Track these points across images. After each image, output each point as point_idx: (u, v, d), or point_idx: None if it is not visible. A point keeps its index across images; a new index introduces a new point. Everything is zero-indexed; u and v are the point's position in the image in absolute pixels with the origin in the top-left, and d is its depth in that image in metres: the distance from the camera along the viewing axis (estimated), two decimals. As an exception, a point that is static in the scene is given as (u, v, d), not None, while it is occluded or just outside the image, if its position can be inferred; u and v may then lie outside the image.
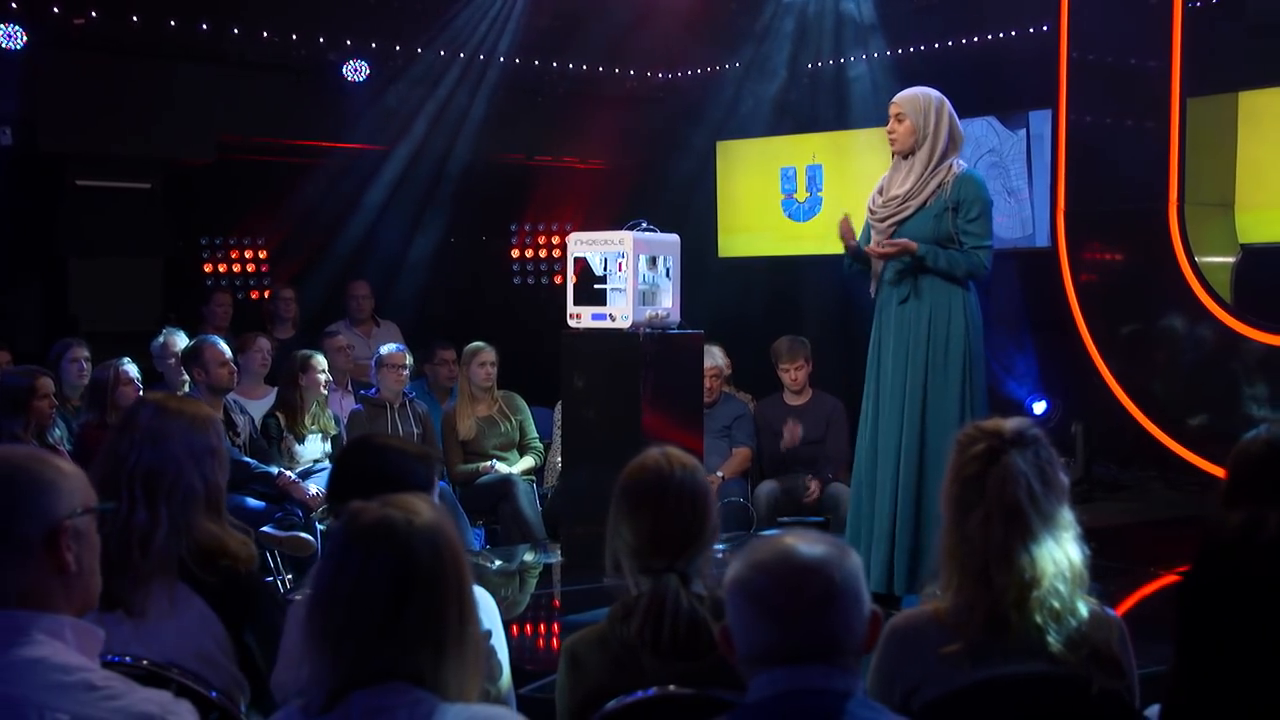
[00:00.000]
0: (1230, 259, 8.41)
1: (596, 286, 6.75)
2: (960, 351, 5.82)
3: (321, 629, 2.07)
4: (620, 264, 6.66)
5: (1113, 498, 8.91)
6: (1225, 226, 8.44)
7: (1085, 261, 8.58)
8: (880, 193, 6.04)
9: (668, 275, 6.76)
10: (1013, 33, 9.41)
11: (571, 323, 6.82)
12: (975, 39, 9.61)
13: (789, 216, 10.69)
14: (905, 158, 5.92)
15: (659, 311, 6.69)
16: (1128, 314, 8.45)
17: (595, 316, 6.71)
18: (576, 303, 6.79)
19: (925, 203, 5.82)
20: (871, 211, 6.03)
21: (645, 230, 6.76)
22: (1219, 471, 8.04)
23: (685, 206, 10.27)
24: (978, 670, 2.80)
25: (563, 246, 11.58)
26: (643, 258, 6.63)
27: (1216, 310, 7.99)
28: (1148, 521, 8.17)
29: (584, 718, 2.85)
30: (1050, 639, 2.82)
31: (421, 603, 2.07)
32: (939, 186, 5.81)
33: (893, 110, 5.94)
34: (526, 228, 11.75)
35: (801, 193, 10.60)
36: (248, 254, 10.93)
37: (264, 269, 10.94)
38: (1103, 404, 8.46)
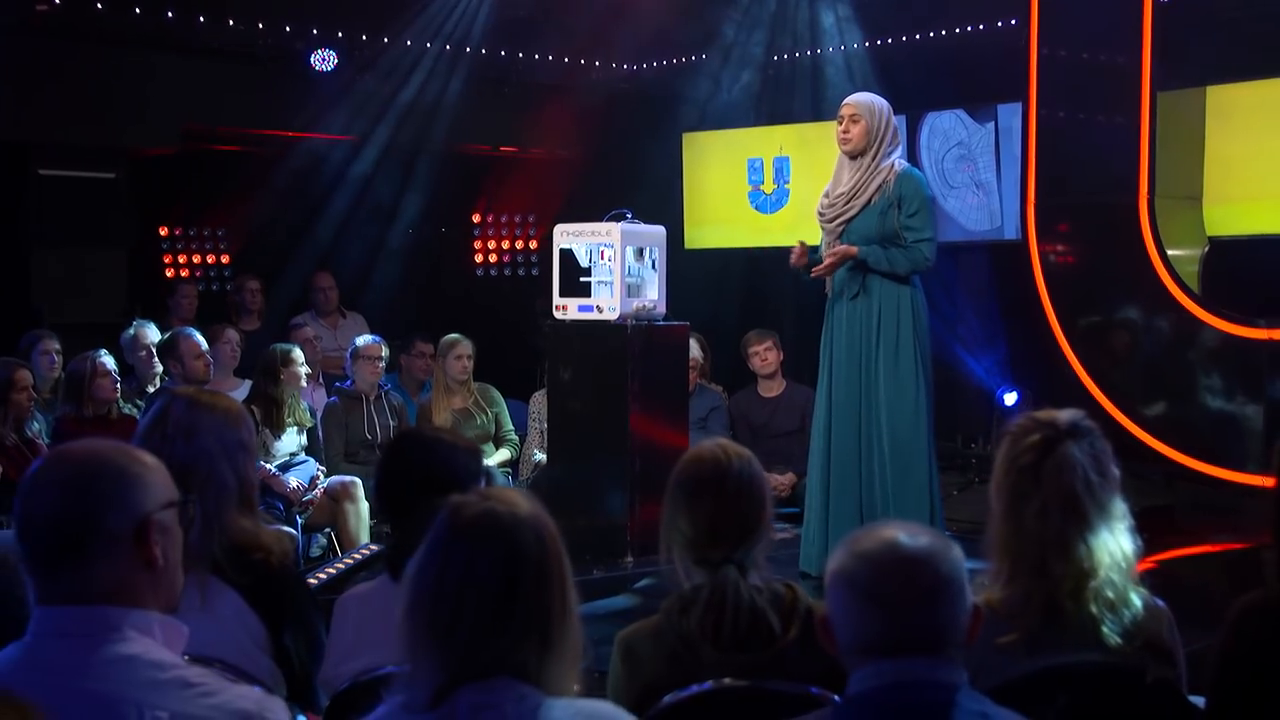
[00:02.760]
0: (1198, 251, 8.49)
1: (581, 279, 6.74)
2: (910, 345, 6.07)
3: (428, 625, 2.04)
4: (603, 253, 6.65)
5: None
6: (1193, 219, 8.53)
7: (1055, 254, 8.64)
8: (826, 195, 6.27)
9: (653, 267, 6.77)
10: (981, 26, 9.46)
11: (557, 314, 6.81)
12: (944, 32, 9.66)
13: (756, 208, 10.69)
14: (854, 159, 6.08)
15: (645, 303, 6.70)
16: (1098, 306, 8.51)
17: (582, 308, 6.70)
18: (562, 294, 6.77)
19: (870, 200, 6.10)
20: (820, 213, 6.25)
21: (631, 222, 6.77)
22: (1187, 461, 8.17)
23: (651, 198, 10.25)
24: (1033, 660, 2.81)
25: (526, 238, 11.57)
26: (629, 249, 6.63)
27: (1187, 302, 8.06)
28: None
29: (641, 711, 2.83)
30: (1106, 630, 2.84)
31: (529, 595, 2.05)
32: (881, 185, 6.08)
33: (847, 112, 6.17)
34: (490, 219, 11.69)
35: (768, 185, 10.61)
36: (209, 244, 10.82)
37: (224, 259, 10.83)
38: (1073, 395, 8.51)
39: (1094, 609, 2.84)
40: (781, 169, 10.54)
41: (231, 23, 9.39)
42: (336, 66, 9.69)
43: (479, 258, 11.68)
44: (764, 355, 8.37)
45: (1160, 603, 2.97)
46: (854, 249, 5.99)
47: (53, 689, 2.04)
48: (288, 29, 9.60)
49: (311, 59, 9.60)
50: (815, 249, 6.31)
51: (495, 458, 8.17)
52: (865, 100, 6.16)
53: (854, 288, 6.08)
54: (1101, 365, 8.38)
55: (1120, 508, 2.93)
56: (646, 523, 6.61)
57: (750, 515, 2.90)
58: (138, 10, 9.03)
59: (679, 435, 6.85)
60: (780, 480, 8.07)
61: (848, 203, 6.11)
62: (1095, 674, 2.86)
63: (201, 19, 9.26)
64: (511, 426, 8.42)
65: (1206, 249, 8.50)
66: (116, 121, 9.29)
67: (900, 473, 5.93)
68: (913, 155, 9.63)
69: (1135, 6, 8.17)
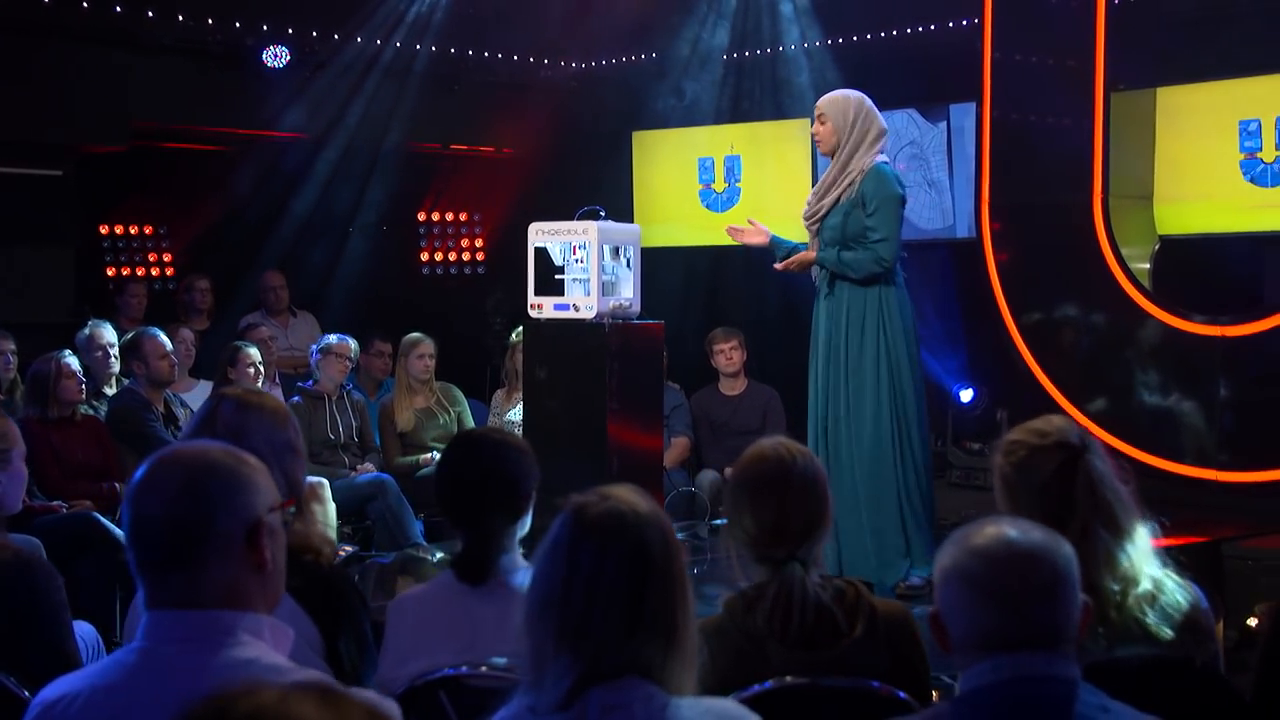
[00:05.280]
0: (1149, 250, 8.63)
1: (556, 277, 6.72)
2: (875, 347, 6.07)
3: (556, 628, 2.03)
4: (574, 249, 6.63)
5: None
6: (1144, 218, 8.66)
7: (1009, 253, 8.73)
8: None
9: (628, 266, 6.76)
10: (933, 26, 9.54)
11: (532, 313, 6.77)
12: (895, 32, 9.71)
13: (707, 207, 10.72)
14: (829, 158, 6.16)
15: (621, 302, 6.68)
16: (1052, 304, 8.62)
17: (558, 307, 6.67)
18: (537, 293, 6.74)
19: (837, 200, 6.13)
20: (804, 212, 6.29)
21: (604, 220, 6.75)
22: (1143, 457, 8.30)
23: (600, 197, 10.22)
24: (1081, 659, 2.83)
25: (472, 236, 11.52)
26: (606, 248, 6.62)
27: (1141, 300, 8.20)
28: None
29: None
30: (1151, 622, 2.87)
31: (657, 594, 2.05)
32: (850, 184, 6.09)
33: (815, 112, 6.21)
34: (437, 217, 11.61)
35: (719, 183, 10.64)
36: (152, 243, 10.65)
37: (166, 256, 10.67)
38: (1027, 392, 8.63)
39: (1136, 613, 2.86)
40: (733, 167, 10.57)
41: (181, 18, 9.23)
42: (289, 63, 9.55)
43: (425, 256, 11.59)
44: (729, 354, 8.41)
45: (1191, 582, 2.99)
46: (811, 254, 6.09)
47: (173, 694, 2.00)
48: (238, 25, 9.47)
49: (264, 56, 9.46)
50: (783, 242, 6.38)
51: (458, 457, 8.12)
52: (830, 99, 6.19)
53: (826, 287, 6.16)
54: (1055, 362, 8.48)
55: (1135, 506, 2.93)
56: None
57: (814, 512, 2.92)
58: (85, 4, 8.87)
59: (655, 434, 6.85)
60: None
61: (819, 202, 6.16)
62: (1141, 667, 2.89)
63: (150, 13, 9.10)
64: (474, 425, 8.38)
65: (1157, 247, 8.64)
66: (64, 118, 9.09)
67: (872, 475, 5.98)
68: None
69: (1088, 7, 8.29)
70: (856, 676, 2.79)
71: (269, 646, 2.10)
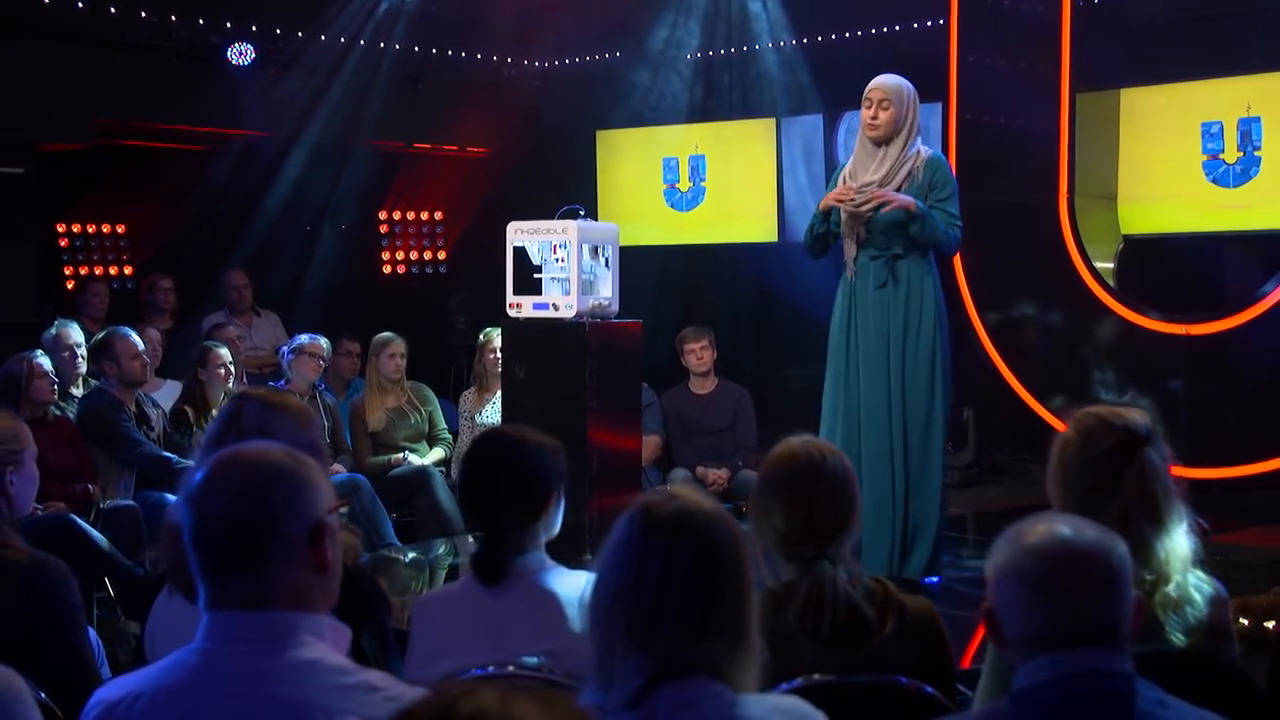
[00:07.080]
0: (1113, 249, 8.73)
1: (534, 276, 6.71)
2: (930, 334, 6.06)
3: (626, 627, 2.03)
4: (554, 248, 6.62)
5: (1004, 482, 9.21)
6: (1108, 218, 8.76)
7: (975, 252, 8.79)
8: (851, 177, 6.17)
9: (607, 265, 6.76)
10: (898, 27, 9.61)
11: (511, 312, 6.76)
12: (861, 32, 9.78)
13: (671, 206, 10.73)
14: (879, 145, 6.07)
15: (600, 301, 6.68)
16: (1017, 303, 8.71)
17: (536, 306, 6.66)
18: (516, 292, 6.73)
19: (900, 186, 6.03)
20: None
21: (583, 219, 6.76)
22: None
23: (566, 197, 10.21)
24: None
25: (434, 234, 11.48)
26: (585, 247, 6.62)
27: (1105, 299, 8.30)
28: (1039, 506, 8.41)
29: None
30: (1169, 629, 2.89)
31: (727, 592, 2.05)
32: (910, 171, 6.04)
33: (876, 96, 6.06)
34: (397, 215, 11.56)
35: (684, 183, 10.65)
36: (110, 241, 10.53)
37: (126, 255, 10.56)
38: (994, 390, 8.71)
39: (1159, 613, 2.89)
40: (697, 167, 10.59)
41: (144, 15, 9.14)
42: (253, 61, 9.47)
43: (387, 255, 11.53)
44: (699, 353, 8.41)
45: (1220, 586, 3.03)
46: (913, 201, 5.86)
47: (241, 696, 2.00)
48: (201, 22, 9.39)
49: (228, 53, 9.37)
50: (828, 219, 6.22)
51: (430, 457, 8.12)
52: (894, 86, 6.04)
53: (882, 276, 6.02)
54: (1021, 360, 8.57)
55: (1182, 508, 2.97)
56: (605, 520, 6.58)
57: (843, 511, 2.93)
58: (46, 1, 8.77)
59: (633, 433, 6.86)
60: (718, 475, 8.12)
61: (879, 187, 5.99)
62: (1163, 662, 2.91)
63: (113, 10, 9.00)
64: (445, 425, 8.37)
65: (1121, 246, 8.74)
66: (25, 115, 8.96)
67: (919, 463, 5.97)
68: (830, 153, 9.74)
69: (1054, 10, 8.38)
70: (889, 674, 2.81)
71: (330, 647, 2.10)
